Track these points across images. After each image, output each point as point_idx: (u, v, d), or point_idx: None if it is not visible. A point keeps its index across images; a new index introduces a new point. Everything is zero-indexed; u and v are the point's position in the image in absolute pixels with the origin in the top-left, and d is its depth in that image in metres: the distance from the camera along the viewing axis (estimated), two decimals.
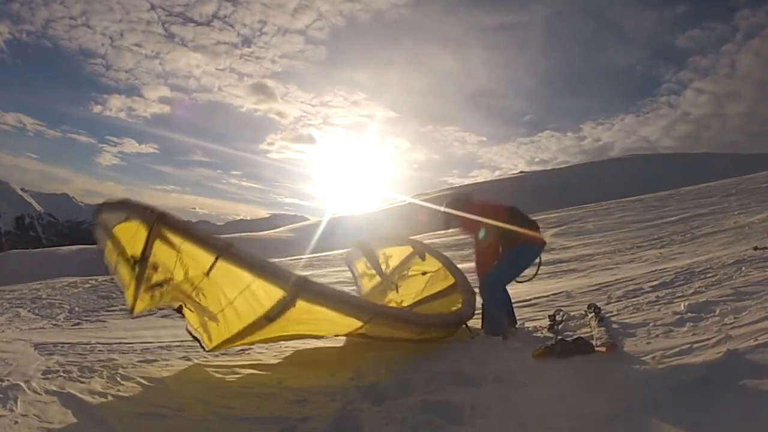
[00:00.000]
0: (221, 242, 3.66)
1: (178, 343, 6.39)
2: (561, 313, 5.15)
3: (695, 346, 3.56)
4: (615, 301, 5.37)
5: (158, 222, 3.82)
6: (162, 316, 9.73)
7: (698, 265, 6.40)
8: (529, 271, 5.33)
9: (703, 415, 2.72)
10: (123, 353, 5.95)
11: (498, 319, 5.03)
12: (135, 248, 4.22)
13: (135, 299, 4.79)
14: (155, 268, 4.29)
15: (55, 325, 9.60)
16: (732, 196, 15.85)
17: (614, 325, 4.44)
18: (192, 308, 4.92)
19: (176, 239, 3.82)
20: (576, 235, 14.23)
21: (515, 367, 3.93)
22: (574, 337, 4.01)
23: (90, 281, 15.09)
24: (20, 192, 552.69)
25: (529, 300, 6.37)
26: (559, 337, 4.08)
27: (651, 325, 4.25)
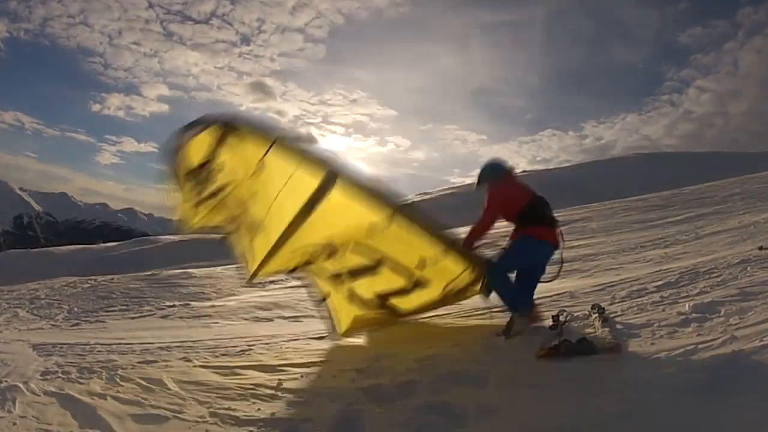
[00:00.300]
0: (277, 131, 4.12)
1: (177, 344, 6.39)
2: (564, 314, 5.14)
3: (700, 346, 3.56)
4: (619, 302, 5.35)
5: (231, 121, 4.18)
6: (162, 317, 9.74)
7: (703, 265, 6.38)
8: (551, 270, 5.36)
9: (709, 417, 2.72)
10: (122, 354, 5.96)
11: (510, 289, 5.01)
12: (204, 156, 4.52)
13: (193, 211, 5.15)
14: (218, 171, 4.59)
15: (53, 325, 9.61)
16: (736, 196, 15.82)
17: (618, 326, 4.43)
18: (240, 229, 5.20)
19: (242, 133, 4.19)
20: (579, 235, 14.19)
21: (519, 368, 3.94)
22: (578, 337, 4.00)
23: (89, 281, 15.07)
24: (18, 191, 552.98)
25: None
26: (563, 338, 4.07)
27: (655, 325, 4.24)
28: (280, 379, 4.48)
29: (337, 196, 4.27)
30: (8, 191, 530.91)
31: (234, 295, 11.91)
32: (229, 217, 5.15)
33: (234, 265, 19.22)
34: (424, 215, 4.68)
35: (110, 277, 16.14)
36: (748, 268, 5.59)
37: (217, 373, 4.88)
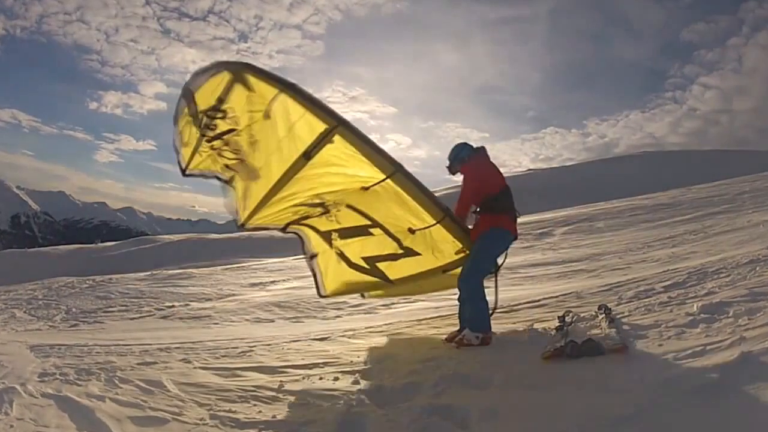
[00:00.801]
0: (286, 80, 4.15)
1: (177, 345, 6.41)
2: (570, 314, 5.14)
3: (708, 348, 3.55)
4: (626, 302, 5.35)
5: (245, 68, 4.22)
6: (161, 318, 9.75)
7: (711, 264, 6.37)
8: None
9: (716, 420, 2.71)
10: (121, 355, 5.97)
11: (482, 311, 5.00)
12: (211, 100, 4.58)
13: (193, 153, 5.18)
14: (225, 114, 4.63)
15: (51, 326, 9.63)
16: (745, 194, 15.78)
17: (625, 327, 4.42)
18: (239, 173, 5.21)
19: (254, 80, 4.24)
20: (586, 234, 14.19)
21: (523, 370, 3.93)
22: (584, 338, 4.00)
23: (87, 281, 15.12)
24: (16, 190, 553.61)
25: (538, 301, 6.36)
26: (569, 339, 4.07)
27: (663, 326, 4.24)
28: (281, 381, 4.49)
29: (337, 146, 4.41)
30: (5, 190, 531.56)
31: (234, 295, 11.92)
32: (225, 165, 5.22)
33: (234, 266, 19.24)
34: (419, 182, 4.79)
35: (109, 277, 16.19)
36: (758, 268, 5.58)
37: (217, 374, 4.89)
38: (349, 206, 5.14)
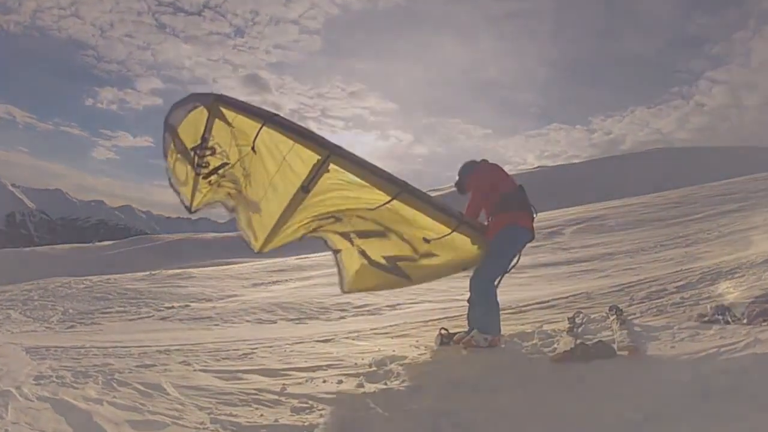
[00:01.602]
0: (267, 112, 4.19)
1: (177, 347, 6.41)
2: (581, 316, 5.14)
3: (722, 350, 3.54)
4: (638, 303, 5.35)
5: (216, 101, 4.33)
6: (160, 319, 9.77)
7: (725, 264, 6.36)
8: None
9: (730, 424, 2.71)
10: (119, 357, 5.97)
11: (492, 313, 4.98)
12: (196, 137, 4.72)
13: (194, 192, 5.32)
14: (213, 151, 4.77)
15: (47, 327, 9.66)
16: (760, 192, 15.76)
17: (637, 328, 4.41)
18: (240, 204, 5.39)
19: (230, 114, 4.36)
20: (596, 233, 14.20)
21: (532, 372, 3.93)
22: (595, 340, 3.99)
23: (84, 282, 15.15)
24: (11, 188, 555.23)
25: (548, 301, 6.36)
26: (579, 341, 4.06)
27: (675, 327, 4.23)
28: (284, 384, 4.48)
29: (334, 174, 4.37)
30: (0, 188, 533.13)
31: (236, 296, 11.95)
32: (227, 193, 5.30)
33: (235, 265, 19.27)
34: (426, 196, 4.78)
35: (107, 277, 16.22)
36: None
37: (218, 377, 4.89)
38: (359, 217, 5.14)
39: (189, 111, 4.57)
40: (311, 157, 4.21)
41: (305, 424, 3.62)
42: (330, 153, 4.17)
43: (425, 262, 5.44)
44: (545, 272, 9.71)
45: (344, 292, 6.34)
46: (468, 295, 5.17)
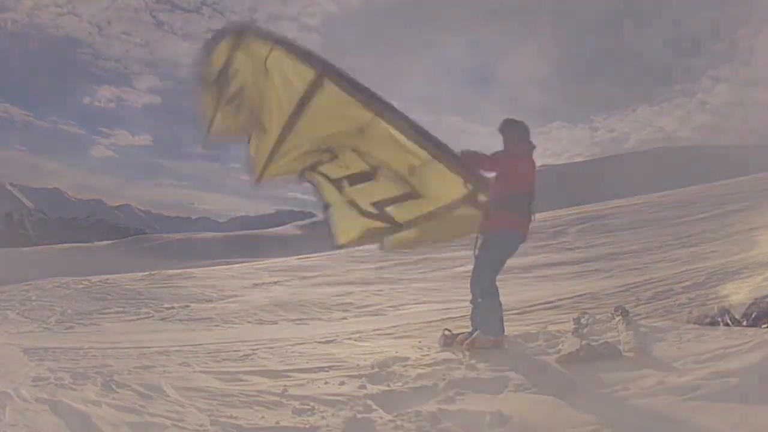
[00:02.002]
0: (278, 35, 4.41)
1: (177, 348, 6.41)
2: (586, 316, 5.13)
3: (729, 351, 3.53)
4: (644, 303, 5.34)
5: (237, 32, 4.59)
6: (160, 320, 9.77)
7: (732, 264, 6.36)
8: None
9: (738, 427, 2.70)
10: (118, 359, 5.97)
11: (495, 313, 5.00)
12: (220, 64, 4.89)
13: (215, 114, 5.36)
14: (234, 75, 4.89)
15: (45, 328, 9.65)
16: (766, 191, 15.73)
17: (642, 329, 4.41)
18: (252, 132, 5.45)
19: (246, 45, 4.57)
20: (601, 233, 14.17)
21: (537, 374, 3.92)
22: (601, 341, 3.99)
23: (83, 282, 15.14)
24: (9, 187, 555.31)
25: (552, 302, 6.35)
26: (585, 342, 4.06)
27: (682, 328, 4.23)
28: (285, 386, 4.47)
29: (328, 91, 4.50)
30: None
31: (236, 296, 11.93)
32: (244, 121, 5.41)
33: (235, 265, 19.26)
34: (408, 119, 4.82)
35: (105, 277, 16.21)
36: None
37: (218, 378, 4.89)
38: (353, 150, 5.23)
39: (219, 41, 4.78)
40: (308, 73, 4.40)
41: (307, 426, 3.61)
42: (324, 69, 4.34)
43: (412, 203, 5.50)
44: (550, 272, 9.70)
45: (337, 247, 6.39)
46: (471, 296, 5.17)
